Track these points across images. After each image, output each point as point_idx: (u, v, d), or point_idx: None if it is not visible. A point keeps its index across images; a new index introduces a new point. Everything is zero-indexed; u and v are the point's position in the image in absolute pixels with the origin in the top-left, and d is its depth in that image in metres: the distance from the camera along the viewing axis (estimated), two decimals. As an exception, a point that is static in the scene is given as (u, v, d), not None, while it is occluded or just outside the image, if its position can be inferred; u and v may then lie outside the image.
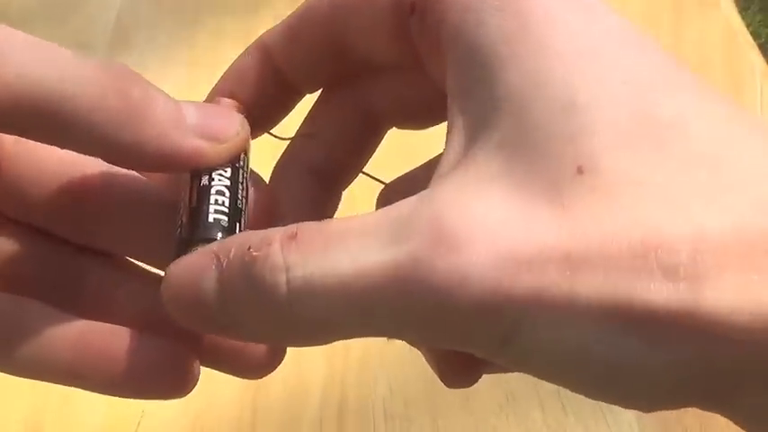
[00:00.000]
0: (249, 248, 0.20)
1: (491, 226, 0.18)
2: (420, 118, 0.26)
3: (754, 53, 0.61)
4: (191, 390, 0.24)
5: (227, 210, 0.23)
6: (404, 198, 0.20)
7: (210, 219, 0.22)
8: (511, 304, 0.18)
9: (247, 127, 0.24)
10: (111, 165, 0.24)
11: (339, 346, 0.51)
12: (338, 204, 0.27)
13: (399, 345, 0.50)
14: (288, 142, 0.27)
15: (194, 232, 0.22)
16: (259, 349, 0.26)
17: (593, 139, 0.18)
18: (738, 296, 0.17)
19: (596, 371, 0.19)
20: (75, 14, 0.65)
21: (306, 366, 0.47)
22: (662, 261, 0.17)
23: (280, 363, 0.26)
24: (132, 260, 0.26)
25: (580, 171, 0.18)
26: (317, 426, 0.45)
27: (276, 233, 0.20)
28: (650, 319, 0.17)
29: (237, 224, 0.23)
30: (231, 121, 0.23)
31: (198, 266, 0.20)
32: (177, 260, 0.21)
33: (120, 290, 0.25)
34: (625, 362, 0.18)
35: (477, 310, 0.18)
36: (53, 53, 0.20)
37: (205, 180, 0.23)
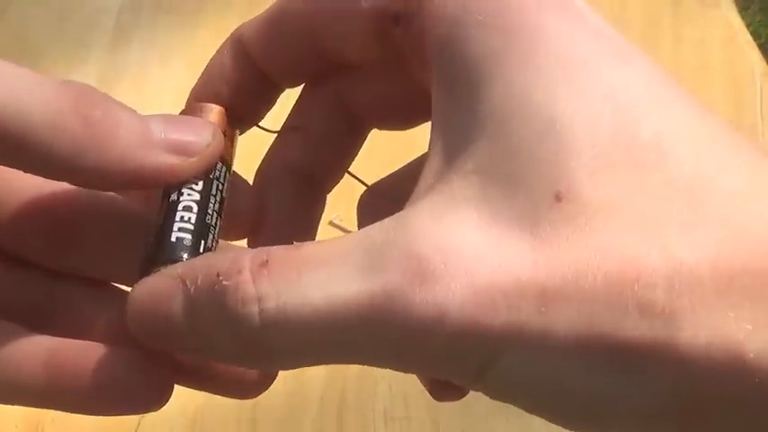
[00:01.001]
0: (218, 275, 0.19)
1: (466, 258, 0.18)
2: (402, 118, 0.26)
3: (754, 53, 0.61)
4: (164, 403, 0.23)
5: (192, 227, 0.22)
6: (384, 202, 0.20)
7: (173, 238, 0.22)
8: (487, 340, 0.18)
9: (220, 137, 0.23)
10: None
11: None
12: (324, 207, 0.27)
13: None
14: (275, 136, 0.27)
15: (157, 252, 0.22)
16: (248, 372, 0.25)
17: (571, 162, 0.18)
18: (714, 334, 0.17)
19: (573, 403, 0.18)
20: (76, 14, 0.65)
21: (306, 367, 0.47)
22: (637, 297, 0.17)
23: (271, 383, 0.26)
24: (110, 282, 0.25)
25: (558, 199, 0.17)
26: (317, 426, 0.45)
27: (245, 258, 0.19)
28: (626, 353, 0.17)
29: (203, 241, 0.22)
30: (201, 133, 0.22)
31: (163, 290, 0.20)
32: (141, 282, 0.21)
33: (95, 311, 0.24)
34: (601, 395, 0.18)
35: (452, 344, 0.18)
36: (10, 72, 0.19)
37: (174, 196, 0.22)
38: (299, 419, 0.45)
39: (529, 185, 0.18)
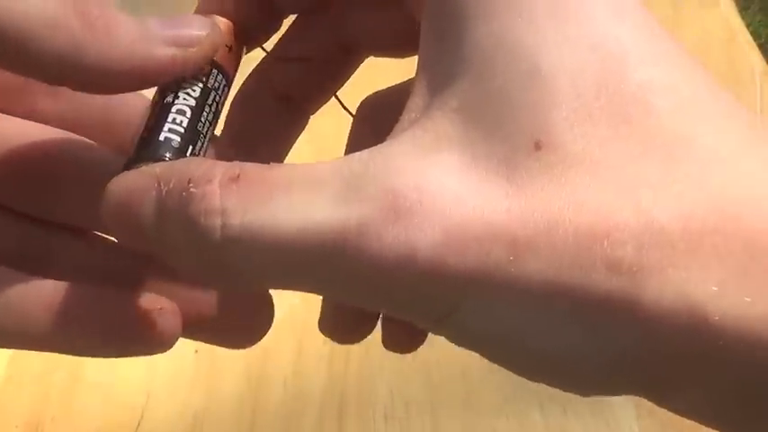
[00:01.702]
0: (189, 182, 0.19)
1: (443, 199, 0.17)
2: (397, 47, 0.25)
3: (754, 53, 0.61)
4: (172, 344, 0.23)
5: (182, 130, 0.21)
6: (383, 113, 0.19)
7: (161, 137, 0.21)
8: (455, 282, 0.17)
9: (218, 29, 0.22)
10: (65, 134, 0.23)
11: (339, 347, 0.51)
12: (304, 128, 0.27)
13: (399, 345, 0.50)
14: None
15: (142, 149, 0.21)
16: (244, 317, 0.25)
17: (554, 112, 0.17)
18: (679, 294, 0.17)
19: (535, 355, 0.19)
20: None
21: (306, 367, 0.47)
22: (606, 253, 0.17)
23: (266, 330, 0.26)
24: (93, 231, 0.25)
25: (537, 147, 0.17)
26: (318, 426, 0.45)
27: (218, 169, 0.19)
28: (591, 308, 0.17)
29: (191, 147, 0.21)
30: (199, 26, 0.22)
31: (138, 187, 0.20)
32: (120, 175, 0.20)
33: (82, 259, 0.24)
34: (563, 346, 0.18)
35: (420, 284, 0.18)
36: None
37: (169, 98, 0.22)
38: (299, 419, 0.45)
39: (509, 131, 0.18)
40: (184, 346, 0.51)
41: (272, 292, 0.51)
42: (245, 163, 0.19)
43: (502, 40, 0.18)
